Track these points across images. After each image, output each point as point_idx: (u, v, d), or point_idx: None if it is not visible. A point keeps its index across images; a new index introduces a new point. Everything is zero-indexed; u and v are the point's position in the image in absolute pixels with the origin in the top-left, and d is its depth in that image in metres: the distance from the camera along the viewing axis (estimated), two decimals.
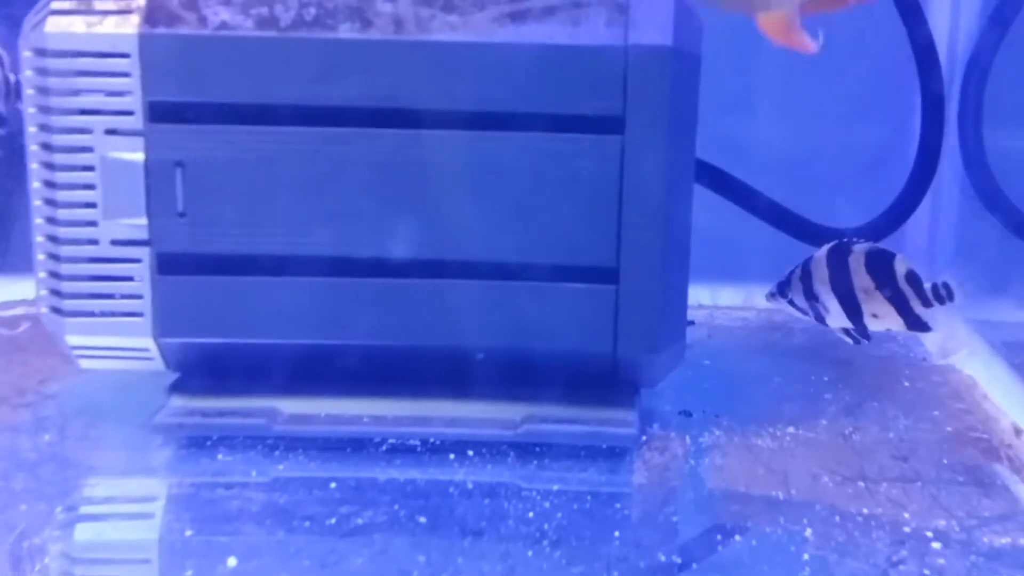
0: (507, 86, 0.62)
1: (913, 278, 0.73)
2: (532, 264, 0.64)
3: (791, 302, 0.75)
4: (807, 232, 0.86)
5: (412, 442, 0.64)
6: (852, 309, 0.74)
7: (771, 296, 0.76)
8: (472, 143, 0.62)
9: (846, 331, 0.75)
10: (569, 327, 0.64)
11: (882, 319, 0.74)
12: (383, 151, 0.63)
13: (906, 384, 0.77)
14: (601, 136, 0.62)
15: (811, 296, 0.75)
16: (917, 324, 0.74)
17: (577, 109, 0.62)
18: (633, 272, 0.64)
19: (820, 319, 0.75)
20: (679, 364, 0.68)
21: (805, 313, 0.76)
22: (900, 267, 0.74)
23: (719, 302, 0.93)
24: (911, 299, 0.73)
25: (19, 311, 0.85)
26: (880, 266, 0.73)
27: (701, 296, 0.94)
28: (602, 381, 0.66)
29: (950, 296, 0.72)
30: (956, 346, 0.83)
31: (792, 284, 0.75)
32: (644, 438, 0.66)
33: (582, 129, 0.62)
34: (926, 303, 0.73)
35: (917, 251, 0.95)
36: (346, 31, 0.62)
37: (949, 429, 0.69)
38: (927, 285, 0.73)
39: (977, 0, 0.91)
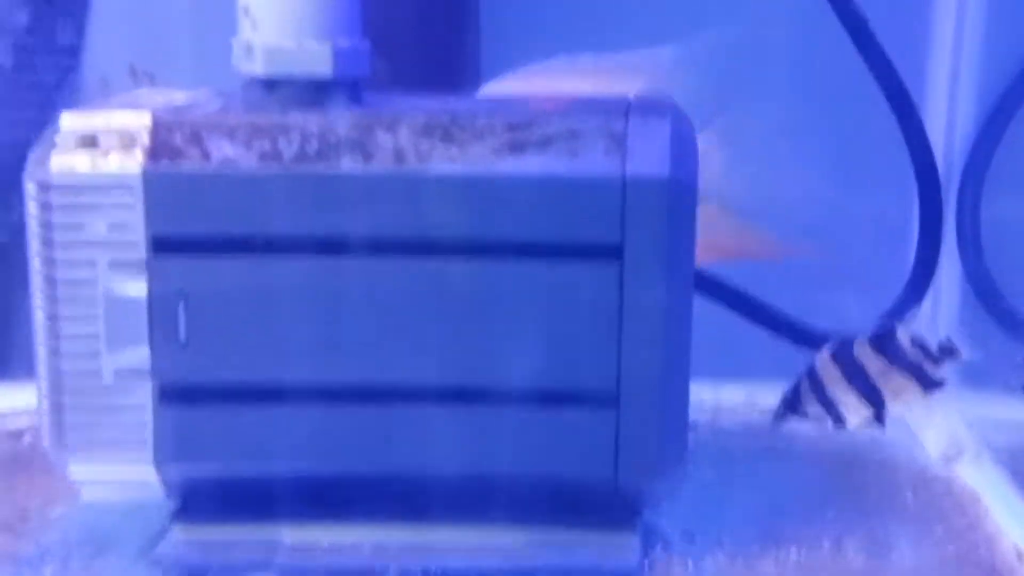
0: (507, 216, 0.63)
1: (919, 342, 0.74)
2: (532, 389, 0.64)
3: (805, 415, 0.75)
4: (807, 338, 0.86)
5: (413, 571, 0.64)
6: (873, 397, 0.75)
7: (780, 417, 0.76)
8: (472, 271, 0.63)
9: (866, 423, 0.76)
10: (569, 452, 0.64)
11: (902, 394, 0.75)
12: (384, 280, 0.63)
13: (908, 495, 0.77)
14: (600, 263, 0.63)
15: (826, 402, 0.75)
16: (932, 384, 0.74)
17: (576, 237, 0.63)
18: (633, 397, 0.64)
19: (839, 421, 0.75)
20: (681, 484, 0.68)
21: (822, 421, 0.76)
22: (904, 338, 0.74)
23: (721, 400, 0.94)
24: (923, 362, 0.74)
25: (22, 422, 0.86)
26: (886, 345, 0.74)
27: (703, 394, 0.94)
28: (603, 504, 0.66)
29: (955, 349, 0.72)
30: (957, 452, 0.83)
31: (803, 397, 0.75)
32: (647, 562, 0.66)
33: (581, 257, 0.63)
34: (936, 361, 0.74)
35: None
36: (348, 164, 0.63)
37: (952, 548, 0.69)
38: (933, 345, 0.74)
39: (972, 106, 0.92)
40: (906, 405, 0.74)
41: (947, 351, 0.72)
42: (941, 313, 0.95)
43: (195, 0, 0.89)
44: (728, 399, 0.93)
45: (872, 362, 0.74)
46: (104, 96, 0.95)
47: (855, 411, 0.74)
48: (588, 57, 0.79)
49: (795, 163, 0.84)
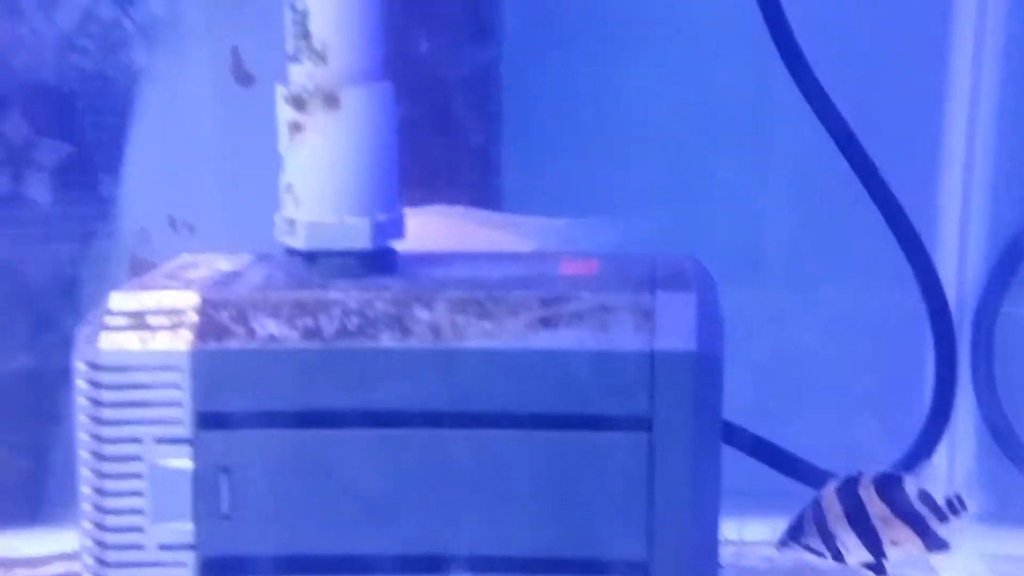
0: (540, 388, 0.65)
1: (926, 497, 0.74)
2: (563, 559, 0.66)
3: (807, 547, 0.76)
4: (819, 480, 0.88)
5: None
6: (871, 541, 0.75)
7: (783, 545, 0.77)
8: (507, 442, 0.65)
9: (866, 565, 0.76)
10: None
11: (902, 544, 0.75)
12: (422, 451, 0.65)
13: None
14: (629, 434, 0.65)
15: (827, 536, 0.76)
16: (936, 543, 0.74)
17: (606, 409, 0.65)
18: (664, 565, 0.65)
19: (838, 558, 0.76)
20: None
21: (822, 556, 0.76)
22: (911, 488, 0.75)
23: (745, 537, 0.94)
24: (928, 519, 0.75)
25: (58, 568, 0.87)
26: (892, 491, 0.75)
27: (728, 530, 0.95)
28: None
29: (963, 507, 0.73)
30: None
31: (805, 528, 0.76)
32: None
33: (611, 428, 0.65)
34: (942, 518, 0.74)
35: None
36: (387, 340, 0.65)
37: None
38: (941, 501, 0.74)
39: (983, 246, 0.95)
40: (904, 555, 0.75)
41: (955, 508, 0.73)
42: (957, 454, 0.96)
43: (230, 153, 0.93)
44: (752, 535, 0.94)
45: (875, 506, 0.74)
46: (144, 246, 0.99)
47: (854, 551, 0.75)
48: (484, 212, 0.84)
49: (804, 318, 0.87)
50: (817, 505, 0.75)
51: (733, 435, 0.86)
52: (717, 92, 1.00)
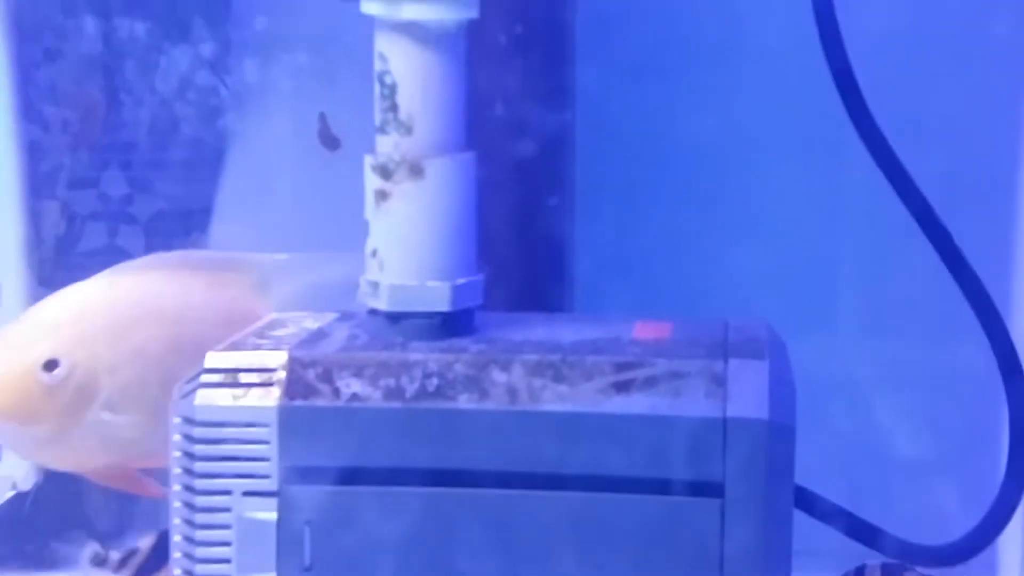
0: (613, 452, 0.66)
1: None
2: None
3: None
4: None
5: None
6: None
7: None
8: (581, 505, 0.66)
9: None
10: None
11: None
12: (499, 512, 0.67)
13: None
14: (702, 499, 0.66)
15: None
16: None
17: (679, 474, 0.66)
18: None
19: None
20: None
21: None
22: None
23: None
24: None
25: None
26: None
27: None
28: None
29: None
30: None
31: None
32: None
33: (684, 493, 0.66)
34: None
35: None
36: (464, 401, 0.67)
37: None
38: None
39: None
40: None
41: None
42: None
43: (316, 215, 0.96)
44: None
45: None
46: None
47: None
48: (203, 253, 0.88)
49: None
50: None
51: (811, 503, 0.86)
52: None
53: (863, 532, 0.86)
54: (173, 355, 0.77)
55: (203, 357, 0.68)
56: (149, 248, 0.99)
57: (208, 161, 1.01)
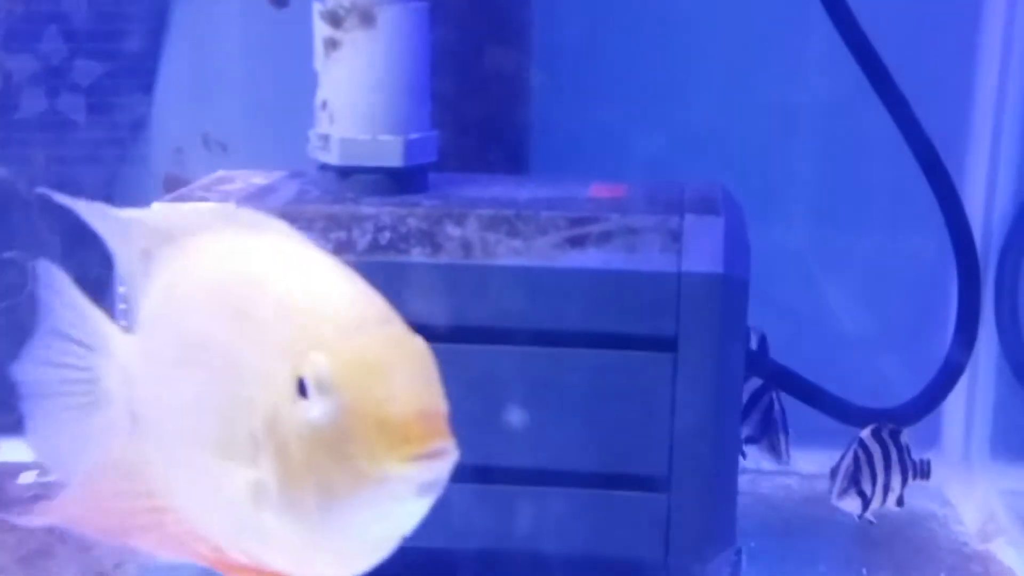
0: (566, 307, 0.66)
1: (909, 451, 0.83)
2: (586, 472, 0.67)
3: (861, 492, 0.80)
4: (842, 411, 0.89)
5: None
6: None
7: (843, 493, 0.80)
8: (533, 359, 0.66)
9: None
10: (622, 534, 0.67)
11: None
12: (453, 366, 0.66)
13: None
14: (655, 354, 0.66)
15: (874, 480, 0.81)
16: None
17: (632, 329, 0.66)
18: (685, 482, 0.67)
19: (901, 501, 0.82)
20: (729, 567, 0.71)
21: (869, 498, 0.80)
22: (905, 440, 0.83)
23: (762, 464, 0.96)
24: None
25: None
26: (898, 442, 0.82)
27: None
28: None
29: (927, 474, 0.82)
30: (995, 530, 0.85)
31: (861, 473, 0.80)
32: None
33: (637, 347, 0.66)
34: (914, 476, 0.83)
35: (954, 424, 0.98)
36: (418, 255, 0.66)
37: None
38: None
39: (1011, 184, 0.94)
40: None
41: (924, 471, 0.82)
42: (978, 390, 0.97)
43: (263, 72, 0.93)
44: (768, 463, 0.96)
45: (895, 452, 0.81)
46: (179, 164, 1.00)
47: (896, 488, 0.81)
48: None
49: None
50: (864, 448, 0.79)
51: (758, 365, 0.87)
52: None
53: (809, 393, 0.88)
54: None
55: None
56: (90, 111, 0.96)
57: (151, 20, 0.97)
